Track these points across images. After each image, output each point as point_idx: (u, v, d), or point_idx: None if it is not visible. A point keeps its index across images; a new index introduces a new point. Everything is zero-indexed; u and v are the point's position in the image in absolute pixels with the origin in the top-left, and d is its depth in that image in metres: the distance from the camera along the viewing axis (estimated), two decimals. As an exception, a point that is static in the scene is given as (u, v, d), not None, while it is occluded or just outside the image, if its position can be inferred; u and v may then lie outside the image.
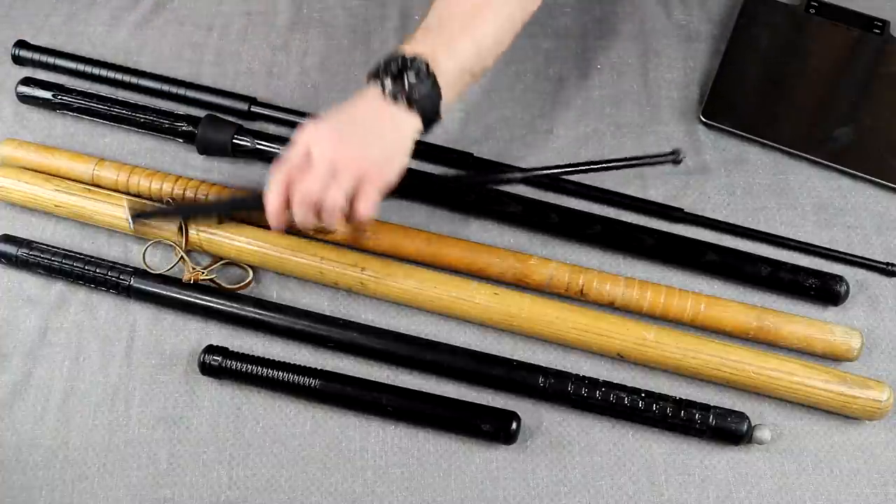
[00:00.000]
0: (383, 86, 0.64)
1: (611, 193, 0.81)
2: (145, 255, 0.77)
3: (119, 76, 0.88)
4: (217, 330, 0.75)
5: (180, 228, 0.76)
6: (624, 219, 0.80)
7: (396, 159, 0.64)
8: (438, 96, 0.65)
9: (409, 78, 0.63)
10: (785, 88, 0.89)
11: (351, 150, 0.62)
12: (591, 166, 0.74)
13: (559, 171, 0.74)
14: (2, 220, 0.81)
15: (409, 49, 0.65)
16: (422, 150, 0.83)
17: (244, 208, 0.70)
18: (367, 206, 0.63)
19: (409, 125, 0.64)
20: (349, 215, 0.64)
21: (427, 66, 0.64)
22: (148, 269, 0.76)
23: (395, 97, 0.63)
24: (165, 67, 0.90)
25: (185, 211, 0.77)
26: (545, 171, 0.74)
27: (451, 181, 0.72)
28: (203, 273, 0.75)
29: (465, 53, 0.67)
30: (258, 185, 0.69)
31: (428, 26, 0.67)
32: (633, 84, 0.90)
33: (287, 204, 0.64)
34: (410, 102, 0.63)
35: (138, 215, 0.75)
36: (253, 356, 0.72)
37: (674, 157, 0.76)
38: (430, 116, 0.65)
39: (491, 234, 0.80)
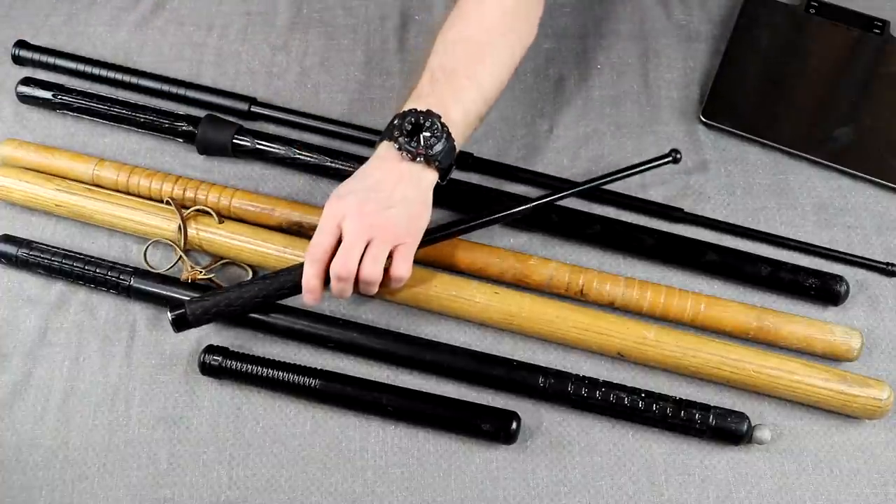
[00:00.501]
0: (400, 146, 0.65)
1: (611, 193, 0.81)
2: (146, 253, 0.77)
3: (119, 76, 0.88)
4: (217, 330, 0.75)
5: (180, 228, 0.76)
6: (624, 219, 0.80)
7: (422, 215, 0.67)
8: (453, 148, 0.67)
9: (425, 135, 0.65)
10: (785, 88, 0.89)
11: (379, 218, 0.64)
12: (594, 183, 0.76)
13: (562, 195, 0.75)
14: (2, 220, 0.81)
15: (420, 104, 0.66)
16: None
17: (285, 289, 0.70)
18: (404, 268, 0.66)
19: (427, 179, 0.66)
20: (385, 279, 0.66)
21: (441, 121, 0.66)
22: (150, 269, 0.76)
23: (413, 156, 0.65)
24: (165, 67, 0.90)
25: (225, 306, 0.71)
26: (547, 200, 0.75)
27: (462, 227, 0.73)
28: (201, 272, 0.75)
29: (471, 101, 0.69)
30: (295, 265, 0.71)
31: (433, 76, 0.69)
32: (633, 84, 0.90)
33: (324, 280, 0.66)
34: (428, 160, 0.65)
35: (181, 321, 0.70)
36: (253, 356, 0.72)
37: (673, 157, 0.77)
38: (446, 168, 0.67)
39: (491, 233, 0.80)
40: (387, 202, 0.65)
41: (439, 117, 0.66)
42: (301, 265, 0.68)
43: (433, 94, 0.68)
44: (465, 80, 0.69)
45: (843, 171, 0.84)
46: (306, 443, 0.71)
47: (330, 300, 0.76)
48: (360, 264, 0.65)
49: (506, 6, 0.72)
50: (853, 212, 0.82)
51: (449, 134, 0.66)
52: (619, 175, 0.76)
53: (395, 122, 0.66)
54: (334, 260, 0.65)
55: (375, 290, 0.67)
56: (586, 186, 0.75)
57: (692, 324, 0.74)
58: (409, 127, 0.65)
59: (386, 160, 0.66)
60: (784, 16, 0.93)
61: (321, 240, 0.65)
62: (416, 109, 0.66)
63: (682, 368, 0.71)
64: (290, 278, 0.70)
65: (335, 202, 0.66)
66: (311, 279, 0.66)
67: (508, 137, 0.86)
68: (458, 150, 0.68)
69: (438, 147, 0.65)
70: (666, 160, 0.78)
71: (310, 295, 0.67)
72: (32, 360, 0.74)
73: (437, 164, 0.66)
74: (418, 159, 0.65)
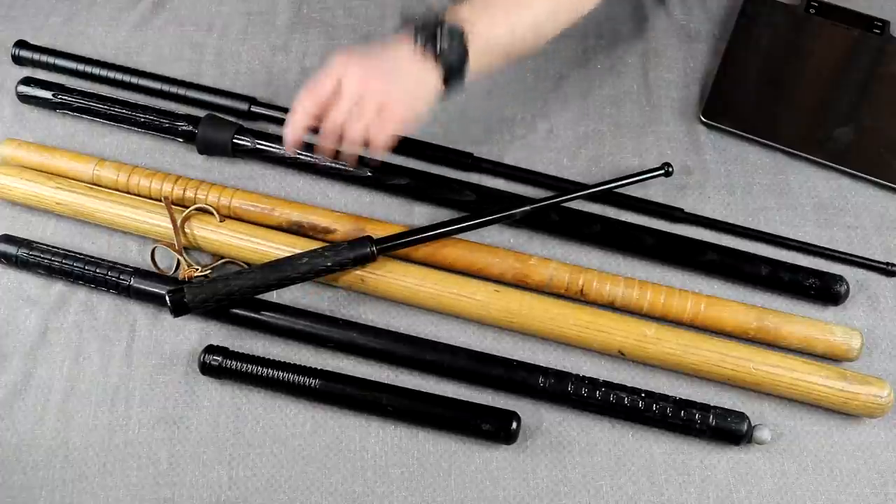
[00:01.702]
0: (416, 39, 0.67)
1: (611, 193, 0.81)
2: (154, 255, 0.77)
3: (119, 76, 0.88)
4: (217, 330, 0.75)
5: (176, 228, 0.76)
6: (624, 219, 0.80)
7: (417, 102, 0.68)
8: (465, 61, 0.68)
9: (442, 37, 0.67)
10: (785, 88, 0.89)
11: (376, 84, 0.67)
12: (587, 191, 0.77)
13: (555, 201, 0.76)
14: (2, 219, 0.81)
15: (449, 14, 0.68)
16: (422, 150, 0.83)
17: (286, 277, 0.71)
18: (383, 138, 0.68)
19: (432, 80, 0.68)
20: (365, 144, 0.69)
21: (461, 31, 0.67)
22: (155, 270, 0.76)
23: (423, 51, 0.67)
24: (165, 67, 0.90)
25: (226, 294, 0.71)
26: (542, 204, 0.75)
27: (456, 227, 0.74)
28: (198, 270, 0.75)
29: (500, 31, 0.70)
30: (291, 255, 0.72)
31: (472, 2, 0.70)
32: (633, 84, 0.90)
33: (308, 125, 0.69)
34: (437, 59, 0.67)
35: (179, 307, 0.70)
36: (253, 356, 0.72)
37: (665, 170, 0.78)
38: (453, 78, 0.69)
39: (491, 233, 0.80)
40: (388, 74, 0.67)
41: (461, 28, 0.67)
42: (302, 254, 0.69)
43: (465, 11, 0.69)
44: (501, 13, 0.70)
45: (843, 171, 0.84)
46: (306, 443, 0.71)
47: (331, 300, 0.77)
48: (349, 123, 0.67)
49: None
50: (853, 212, 0.82)
51: (465, 47, 0.67)
52: (608, 185, 0.77)
53: (418, 19, 0.68)
54: (326, 112, 0.67)
55: (355, 149, 0.69)
56: (572, 196, 0.76)
57: (692, 324, 0.74)
58: (430, 27, 0.67)
59: (399, 47, 0.68)
60: (784, 16, 0.93)
61: (320, 79, 0.67)
62: (441, 15, 0.68)
63: (683, 366, 0.71)
64: (292, 267, 0.70)
65: (341, 59, 0.68)
66: (298, 118, 0.68)
67: (508, 137, 0.86)
68: (471, 69, 0.69)
69: (452, 52, 0.67)
70: (658, 173, 0.78)
71: (291, 135, 0.69)
72: (32, 360, 0.74)
73: (445, 66, 0.67)
74: (427, 54, 0.67)
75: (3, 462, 0.70)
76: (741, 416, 0.69)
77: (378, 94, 0.66)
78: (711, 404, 0.69)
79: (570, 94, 0.89)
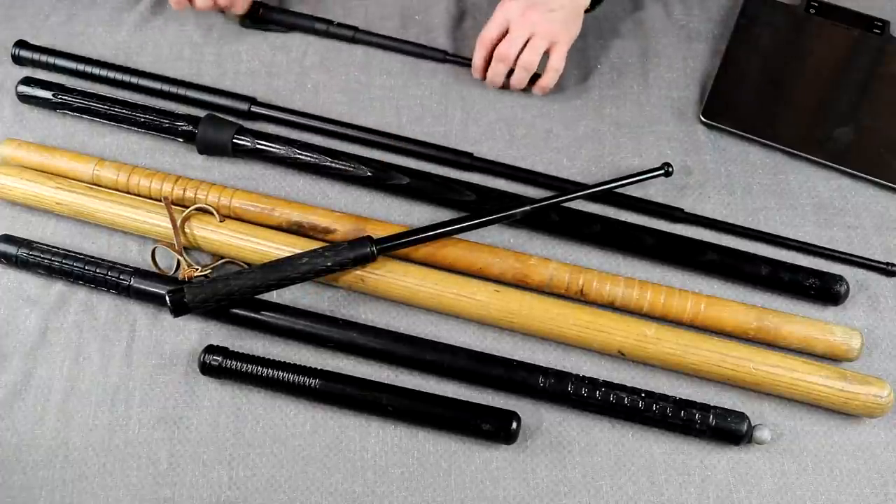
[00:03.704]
0: None
1: (611, 193, 0.81)
2: (154, 255, 0.77)
3: (119, 76, 0.88)
4: (217, 330, 0.75)
5: (175, 228, 0.76)
6: (624, 219, 0.80)
7: (576, 23, 0.84)
8: None
9: None
10: (785, 88, 0.89)
11: (541, 19, 0.81)
12: (587, 191, 0.77)
13: (555, 200, 0.76)
14: (2, 219, 0.81)
15: None
16: (422, 150, 0.84)
17: (286, 277, 0.71)
18: (560, 60, 0.83)
19: (581, 1, 0.83)
20: (541, 71, 0.83)
21: None
22: (156, 270, 0.76)
23: None
24: (165, 67, 0.90)
25: (226, 294, 0.71)
26: (542, 204, 0.75)
27: (457, 227, 0.74)
28: (198, 270, 0.75)
29: None
30: (289, 255, 0.73)
31: None
32: (633, 84, 0.90)
33: (487, 62, 0.84)
34: None
35: (179, 307, 0.70)
36: (253, 356, 0.72)
37: (665, 170, 0.78)
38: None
39: (491, 233, 0.80)
40: (548, 7, 0.81)
41: None
42: (302, 254, 0.70)
43: None
44: None
45: (843, 171, 0.84)
46: (306, 443, 0.71)
47: (331, 300, 0.77)
48: (520, 54, 0.81)
49: None
50: (853, 212, 0.82)
51: None
52: (608, 185, 0.77)
53: None
54: (500, 45, 0.82)
55: (526, 80, 0.84)
56: (572, 196, 0.76)
57: (692, 324, 0.74)
58: None
59: None
60: (784, 16, 0.93)
61: (489, 30, 0.83)
62: None
63: (683, 366, 0.71)
64: (292, 267, 0.70)
65: (507, 3, 0.82)
66: (478, 60, 0.84)
67: (508, 137, 0.86)
68: None
69: None
70: (658, 173, 0.79)
71: (477, 70, 0.86)
72: (32, 360, 0.74)
73: None
74: None
75: (3, 462, 0.70)
76: (741, 416, 0.69)
77: (544, 26, 0.80)
78: (711, 404, 0.69)
79: (570, 94, 0.89)
